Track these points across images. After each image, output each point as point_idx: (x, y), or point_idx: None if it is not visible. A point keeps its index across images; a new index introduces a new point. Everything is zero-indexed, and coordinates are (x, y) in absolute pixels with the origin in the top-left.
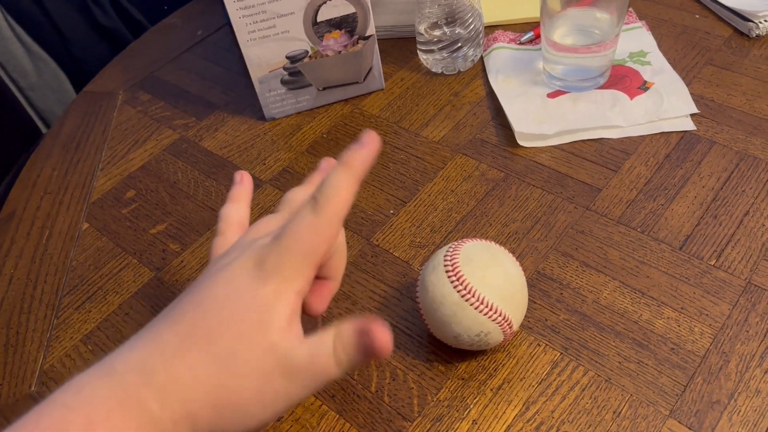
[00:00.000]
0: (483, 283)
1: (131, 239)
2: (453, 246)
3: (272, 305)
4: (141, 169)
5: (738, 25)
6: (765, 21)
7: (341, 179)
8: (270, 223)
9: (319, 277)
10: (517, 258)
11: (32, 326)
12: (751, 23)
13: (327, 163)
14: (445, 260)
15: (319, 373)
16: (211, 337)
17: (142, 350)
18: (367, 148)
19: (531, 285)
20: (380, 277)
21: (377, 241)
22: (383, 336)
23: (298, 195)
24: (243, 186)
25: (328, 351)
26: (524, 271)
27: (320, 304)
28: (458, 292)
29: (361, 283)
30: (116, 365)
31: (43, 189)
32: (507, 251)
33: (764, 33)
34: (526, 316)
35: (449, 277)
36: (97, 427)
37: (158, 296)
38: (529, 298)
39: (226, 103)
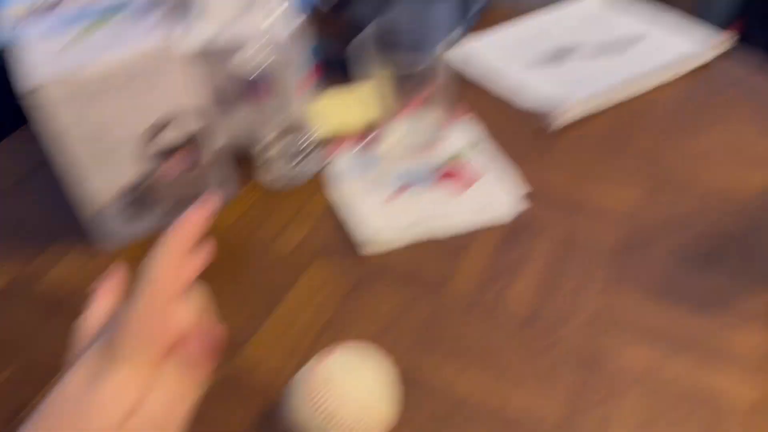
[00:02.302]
0: (346, 399)
1: None
2: (311, 366)
3: (104, 404)
4: None
5: (541, 119)
6: (560, 115)
7: (159, 257)
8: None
9: None
10: (381, 358)
11: None
12: (549, 120)
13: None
14: (305, 383)
15: None
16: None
17: None
18: (186, 218)
19: (397, 383)
20: (249, 402)
21: (240, 362)
22: None
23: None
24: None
25: None
26: (389, 370)
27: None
28: (319, 415)
29: (231, 411)
30: None
31: None
32: (371, 355)
33: (564, 124)
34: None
35: (310, 401)
36: None
37: None
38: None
39: (61, 235)
